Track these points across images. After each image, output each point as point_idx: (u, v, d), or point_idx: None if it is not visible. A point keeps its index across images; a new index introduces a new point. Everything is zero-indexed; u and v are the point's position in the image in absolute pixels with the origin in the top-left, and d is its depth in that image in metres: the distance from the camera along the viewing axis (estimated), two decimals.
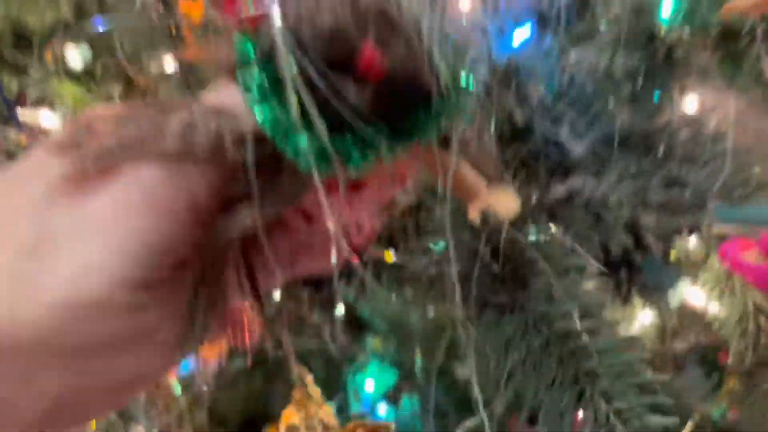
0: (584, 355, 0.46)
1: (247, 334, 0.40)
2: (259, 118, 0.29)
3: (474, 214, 0.36)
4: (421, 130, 0.31)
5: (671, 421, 0.43)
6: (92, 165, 0.30)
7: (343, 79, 0.29)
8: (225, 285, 0.33)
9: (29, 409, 0.30)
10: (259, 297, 0.35)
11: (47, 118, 0.83)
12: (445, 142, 0.34)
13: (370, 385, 0.88)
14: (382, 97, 0.29)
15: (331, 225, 0.33)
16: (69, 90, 0.81)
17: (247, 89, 0.29)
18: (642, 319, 0.67)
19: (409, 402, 0.90)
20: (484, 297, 0.51)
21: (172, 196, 0.30)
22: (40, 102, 0.81)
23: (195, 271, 0.31)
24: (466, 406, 0.82)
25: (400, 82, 0.29)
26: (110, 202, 0.30)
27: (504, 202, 0.37)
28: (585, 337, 0.47)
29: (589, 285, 0.52)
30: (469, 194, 0.36)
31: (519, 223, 0.56)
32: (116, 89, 0.78)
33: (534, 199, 0.62)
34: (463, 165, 0.36)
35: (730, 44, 0.68)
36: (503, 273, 0.52)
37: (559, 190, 0.62)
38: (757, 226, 0.59)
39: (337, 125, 0.29)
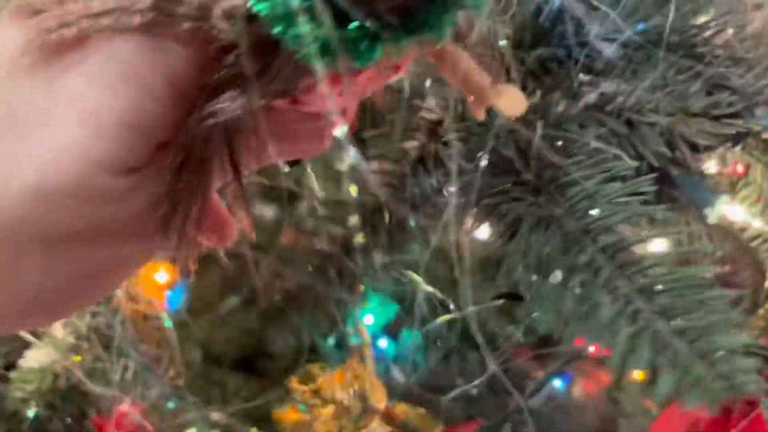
0: (637, 270, 0.41)
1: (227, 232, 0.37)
2: None
3: (479, 112, 0.34)
4: (434, 23, 0.27)
5: (740, 339, 0.38)
6: (59, 33, 0.27)
7: None
8: (208, 171, 0.29)
9: (10, 298, 0.29)
10: (241, 182, 0.32)
11: None
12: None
13: (369, 319, 0.84)
14: None
15: (322, 108, 0.32)
16: None
17: None
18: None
19: (409, 335, 0.86)
20: (517, 212, 0.46)
21: (151, 71, 0.28)
22: None
23: (177, 156, 0.29)
24: (467, 339, 0.78)
25: None
26: (83, 76, 0.27)
27: (510, 100, 0.35)
28: (635, 250, 0.41)
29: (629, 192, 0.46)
30: (472, 89, 0.34)
31: (548, 129, 0.51)
32: None
33: (563, 105, 0.56)
34: (467, 58, 0.33)
35: None
36: (537, 184, 0.46)
37: (589, 96, 0.56)
38: None
39: (342, 14, 0.25)
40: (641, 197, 0.44)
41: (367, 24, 0.26)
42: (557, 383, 0.74)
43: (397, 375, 0.81)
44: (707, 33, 0.56)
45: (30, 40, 0.27)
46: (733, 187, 0.59)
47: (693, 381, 0.37)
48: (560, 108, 0.55)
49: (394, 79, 0.34)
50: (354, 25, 0.26)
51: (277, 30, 0.26)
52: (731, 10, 0.58)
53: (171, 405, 0.80)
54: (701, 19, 0.58)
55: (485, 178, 0.47)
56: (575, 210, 0.44)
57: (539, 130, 0.48)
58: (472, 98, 0.34)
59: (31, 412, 0.74)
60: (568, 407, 0.78)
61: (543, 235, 0.44)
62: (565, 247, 0.43)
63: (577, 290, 0.41)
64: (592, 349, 0.76)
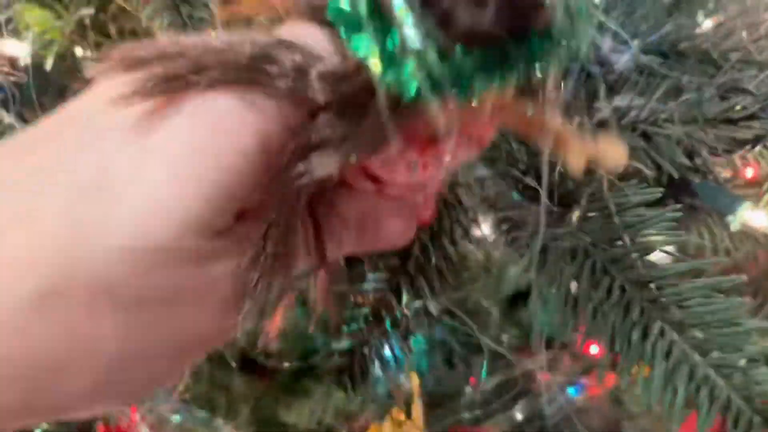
0: (669, 302, 0.41)
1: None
2: (357, 47, 0.26)
3: (577, 165, 0.30)
4: (538, 58, 0.26)
5: None
6: (156, 90, 0.27)
7: None
8: (294, 241, 0.30)
9: (87, 367, 0.27)
10: (325, 261, 0.32)
11: (13, 48, 0.75)
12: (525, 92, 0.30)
13: None
14: (501, 17, 0.25)
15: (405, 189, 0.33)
16: (34, 15, 0.73)
17: (340, 18, 0.26)
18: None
19: (416, 341, 0.87)
20: (543, 241, 0.46)
21: (243, 129, 0.27)
22: (5, 29, 0.73)
23: (264, 222, 0.29)
24: (472, 344, 0.79)
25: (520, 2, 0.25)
26: (175, 133, 0.27)
27: (610, 151, 0.31)
28: (666, 282, 0.41)
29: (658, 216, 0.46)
30: (563, 144, 0.31)
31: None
32: (87, 14, 0.69)
33: (576, 121, 0.56)
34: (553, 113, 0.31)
35: None
36: (561, 212, 0.46)
37: (603, 110, 0.56)
38: None
39: (446, 49, 0.25)
40: (669, 223, 0.44)
41: (471, 55, 0.25)
42: (570, 391, 0.75)
43: (404, 381, 0.81)
44: (718, 37, 0.56)
45: (132, 91, 0.27)
46: (755, 193, 0.59)
47: (733, 417, 0.38)
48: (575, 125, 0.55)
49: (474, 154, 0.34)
50: (459, 53, 0.25)
51: (383, 73, 0.26)
52: (743, 11, 0.57)
53: (178, 419, 0.81)
54: (712, 23, 0.57)
55: (510, 208, 0.47)
56: (601, 240, 0.44)
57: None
58: (565, 153, 0.31)
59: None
60: (575, 410, 0.79)
61: (571, 267, 0.44)
62: (595, 280, 0.43)
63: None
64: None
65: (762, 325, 0.39)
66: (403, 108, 0.27)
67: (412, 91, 0.25)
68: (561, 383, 0.76)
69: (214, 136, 0.27)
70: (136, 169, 0.27)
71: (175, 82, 0.27)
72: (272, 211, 0.29)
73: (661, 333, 0.40)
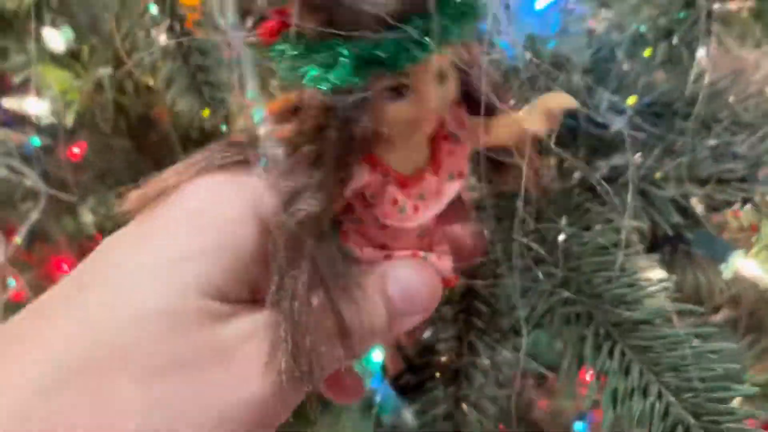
0: (667, 367, 0.44)
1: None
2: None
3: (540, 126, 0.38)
4: (445, 31, 0.31)
5: None
6: (158, 197, 0.33)
7: None
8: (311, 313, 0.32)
9: None
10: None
11: (33, 106, 0.78)
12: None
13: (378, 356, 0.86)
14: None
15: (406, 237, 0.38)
16: (54, 75, 0.76)
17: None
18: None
19: None
20: (548, 304, 0.49)
21: (237, 200, 0.32)
22: (25, 88, 0.76)
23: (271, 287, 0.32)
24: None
25: None
26: (172, 221, 0.32)
27: (557, 99, 0.38)
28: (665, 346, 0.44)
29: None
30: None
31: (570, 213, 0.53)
32: (105, 74, 0.72)
33: (575, 179, 0.59)
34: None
35: None
36: (566, 276, 0.49)
37: (600, 169, 0.59)
38: None
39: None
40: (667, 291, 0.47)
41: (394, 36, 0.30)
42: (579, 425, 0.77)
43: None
44: (709, 98, 0.59)
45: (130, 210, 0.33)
46: (747, 242, 0.62)
47: None
48: (574, 181, 0.58)
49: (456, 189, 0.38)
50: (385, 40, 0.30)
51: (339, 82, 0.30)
52: (732, 72, 0.60)
53: None
54: (703, 85, 0.60)
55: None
56: (603, 303, 0.47)
57: (563, 222, 0.50)
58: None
59: None
60: None
61: (575, 329, 0.47)
62: (597, 344, 0.46)
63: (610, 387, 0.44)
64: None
65: (750, 391, 0.42)
66: (360, 138, 0.32)
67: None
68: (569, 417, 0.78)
69: (207, 208, 0.32)
70: (138, 268, 0.31)
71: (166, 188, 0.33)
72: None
73: (659, 396, 0.43)
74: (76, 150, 0.83)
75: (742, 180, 0.56)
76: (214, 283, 0.31)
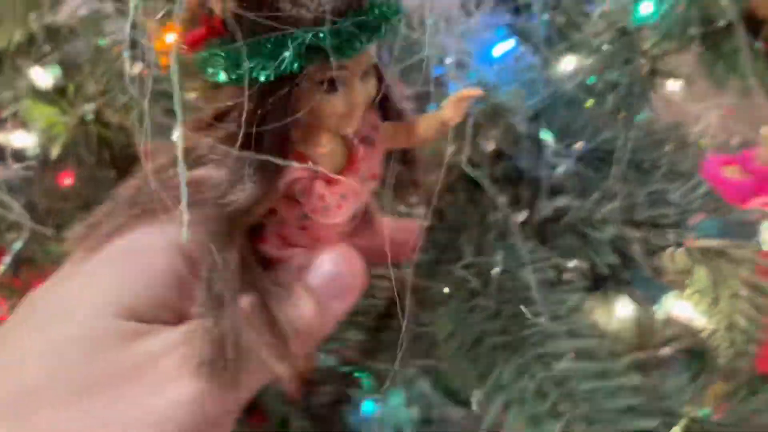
0: (581, 398, 0.46)
1: None
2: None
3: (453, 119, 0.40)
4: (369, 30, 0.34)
5: None
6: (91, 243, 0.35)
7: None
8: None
9: None
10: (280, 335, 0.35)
11: (21, 139, 0.82)
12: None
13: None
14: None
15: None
16: (41, 111, 0.79)
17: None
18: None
19: (395, 395, 0.90)
20: (479, 333, 0.51)
21: (154, 241, 0.35)
22: (13, 123, 0.80)
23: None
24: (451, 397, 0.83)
25: None
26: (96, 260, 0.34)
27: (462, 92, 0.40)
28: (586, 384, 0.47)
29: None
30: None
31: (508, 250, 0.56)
32: (90, 110, 0.76)
33: (522, 218, 0.62)
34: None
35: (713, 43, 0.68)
36: (498, 309, 0.52)
37: (545, 209, 0.62)
38: (733, 239, 0.60)
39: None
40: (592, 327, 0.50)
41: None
42: None
43: None
44: (649, 147, 0.62)
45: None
46: (682, 284, 0.64)
47: None
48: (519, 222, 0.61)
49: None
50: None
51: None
52: (673, 123, 0.64)
53: None
54: (645, 132, 0.64)
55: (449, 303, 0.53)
56: (529, 337, 0.50)
57: (499, 257, 0.53)
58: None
59: None
60: None
61: (501, 357, 0.50)
62: (519, 373, 0.49)
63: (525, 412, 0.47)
64: None
65: (650, 425, 0.45)
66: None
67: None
68: None
69: (128, 245, 0.34)
70: (59, 287, 0.34)
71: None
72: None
73: (569, 423, 0.46)
74: (67, 181, 0.86)
75: (675, 225, 0.59)
76: (128, 305, 0.32)
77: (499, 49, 0.67)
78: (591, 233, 0.60)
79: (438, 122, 0.41)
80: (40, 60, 0.73)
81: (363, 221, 0.43)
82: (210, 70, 0.34)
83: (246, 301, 0.34)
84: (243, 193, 0.33)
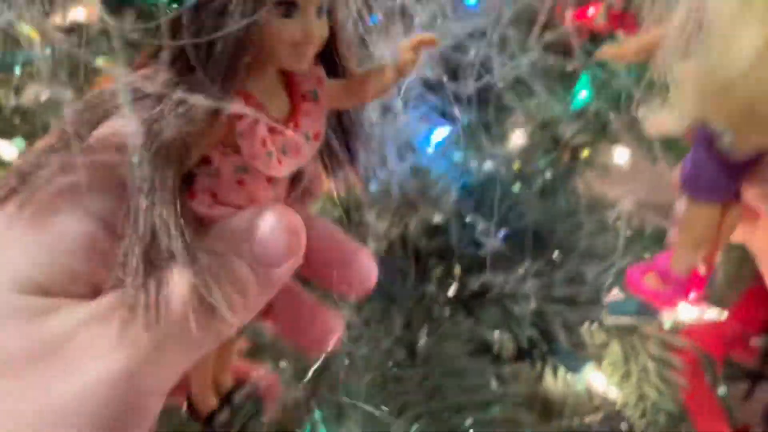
0: None
1: None
2: None
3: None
4: None
5: None
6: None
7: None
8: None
9: None
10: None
11: None
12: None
13: None
14: None
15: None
16: None
17: None
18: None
19: None
20: (405, 400, 0.56)
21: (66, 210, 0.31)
22: None
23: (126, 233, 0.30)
24: None
25: None
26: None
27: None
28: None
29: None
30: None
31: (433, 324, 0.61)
32: None
33: (451, 292, 0.67)
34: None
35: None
36: (424, 375, 0.56)
37: (473, 283, 0.66)
38: (644, 316, 0.65)
39: None
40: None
41: None
42: None
43: None
44: (570, 229, 0.68)
45: None
46: (598, 358, 0.69)
47: None
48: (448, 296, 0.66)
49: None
50: None
51: None
52: (592, 207, 0.69)
53: None
54: (566, 216, 0.69)
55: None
56: (448, 407, 0.54)
57: (423, 332, 0.58)
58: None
59: None
60: None
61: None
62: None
63: None
64: None
65: None
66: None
67: None
68: None
69: (33, 215, 0.30)
70: None
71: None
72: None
73: None
74: None
75: (591, 303, 0.64)
76: (31, 278, 0.29)
77: (433, 137, 0.72)
78: (513, 308, 0.65)
79: (394, 68, 0.37)
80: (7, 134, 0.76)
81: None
82: None
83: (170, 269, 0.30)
84: (174, 122, 0.30)
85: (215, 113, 0.32)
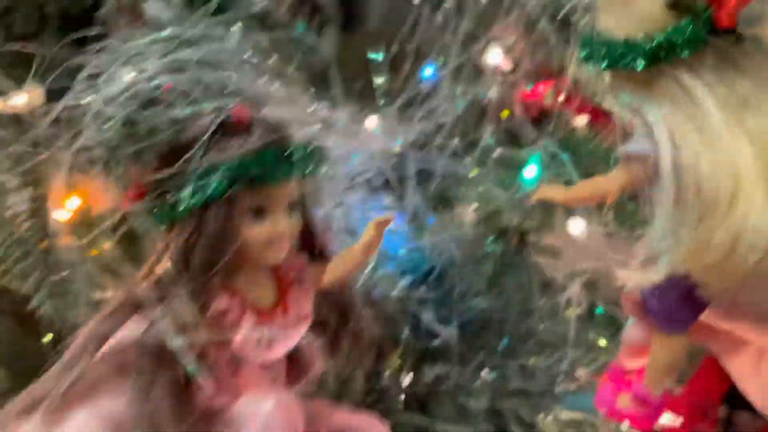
0: None
1: None
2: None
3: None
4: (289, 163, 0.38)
5: None
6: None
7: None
8: None
9: None
10: None
11: None
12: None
13: None
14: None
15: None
16: None
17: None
18: None
19: None
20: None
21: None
22: None
23: None
24: None
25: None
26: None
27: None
28: None
29: None
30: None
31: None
32: None
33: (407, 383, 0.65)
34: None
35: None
36: None
37: (427, 375, 0.65)
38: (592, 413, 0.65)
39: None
40: None
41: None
42: None
43: None
44: (520, 318, 0.68)
45: None
46: None
47: None
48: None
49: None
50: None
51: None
52: (542, 295, 0.69)
53: None
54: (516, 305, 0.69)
55: None
56: None
57: None
58: None
59: None
60: None
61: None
62: None
63: None
64: None
65: None
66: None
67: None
68: None
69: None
70: None
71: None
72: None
73: None
74: None
75: (543, 395, 0.64)
76: None
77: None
78: (468, 403, 0.64)
79: (361, 248, 0.43)
80: None
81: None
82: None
83: None
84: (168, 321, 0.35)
85: (202, 309, 0.36)
